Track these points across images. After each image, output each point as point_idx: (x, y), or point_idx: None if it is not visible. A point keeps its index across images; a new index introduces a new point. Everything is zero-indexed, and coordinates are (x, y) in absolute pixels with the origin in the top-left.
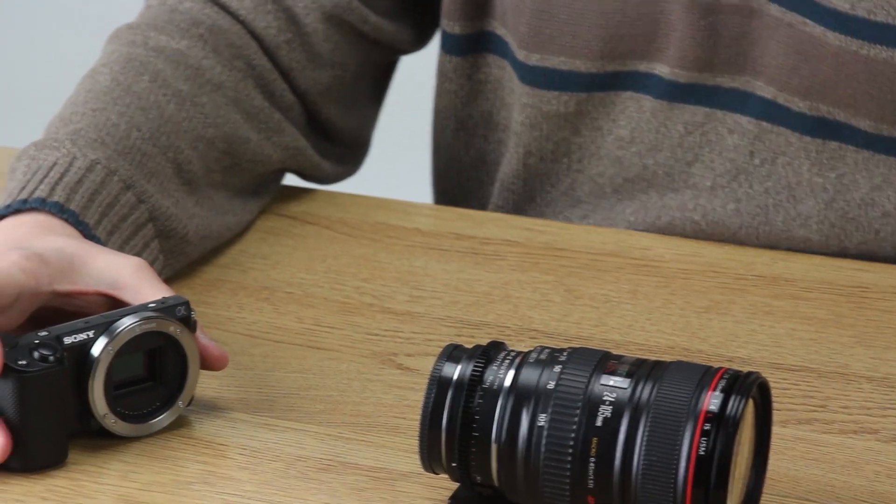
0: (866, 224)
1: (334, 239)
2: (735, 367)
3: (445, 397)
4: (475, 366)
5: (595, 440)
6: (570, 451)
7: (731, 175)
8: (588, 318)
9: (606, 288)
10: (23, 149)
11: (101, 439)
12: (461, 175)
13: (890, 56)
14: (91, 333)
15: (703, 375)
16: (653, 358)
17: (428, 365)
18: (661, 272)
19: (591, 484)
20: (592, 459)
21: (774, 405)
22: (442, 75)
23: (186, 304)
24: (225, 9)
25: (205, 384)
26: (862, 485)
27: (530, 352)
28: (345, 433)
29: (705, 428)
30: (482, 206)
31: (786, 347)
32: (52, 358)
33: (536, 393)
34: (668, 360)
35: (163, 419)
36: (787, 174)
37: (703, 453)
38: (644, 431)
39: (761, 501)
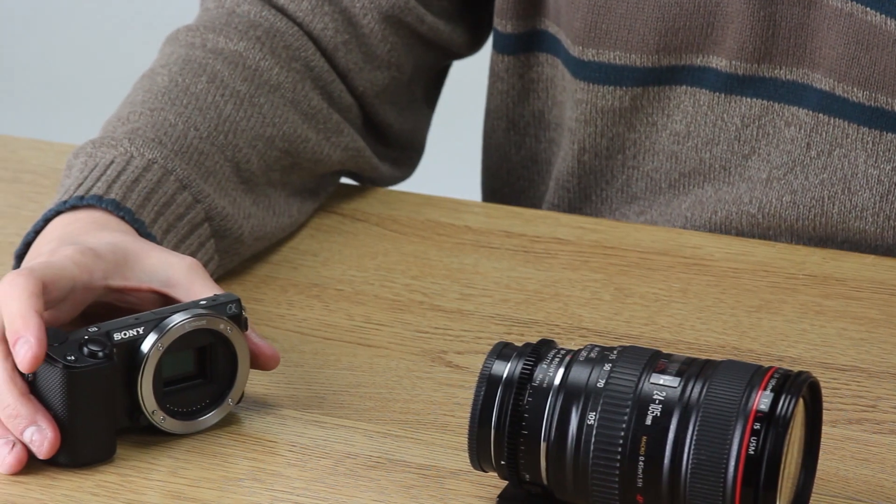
0: None
1: (384, 236)
2: (785, 366)
3: (495, 395)
4: (525, 364)
5: (644, 439)
6: (620, 449)
7: (788, 167)
8: (638, 317)
9: (657, 286)
10: (79, 146)
11: (150, 436)
12: (512, 175)
13: None
14: (141, 330)
15: (754, 375)
16: (703, 357)
17: (477, 363)
18: (711, 271)
19: (640, 482)
20: (641, 458)
21: (825, 405)
22: (494, 75)
23: (237, 301)
24: (282, 11)
25: (254, 381)
26: None
27: (580, 350)
28: (394, 430)
29: (755, 427)
30: (534, 205)
31: (836, 347)
32: (101, 354)
33: (586, 391)
34: (719, 359)
35: (212, 416)
36: (843, 166)
37: (752, 453)
38: (693, 430)
39: (811, 501)
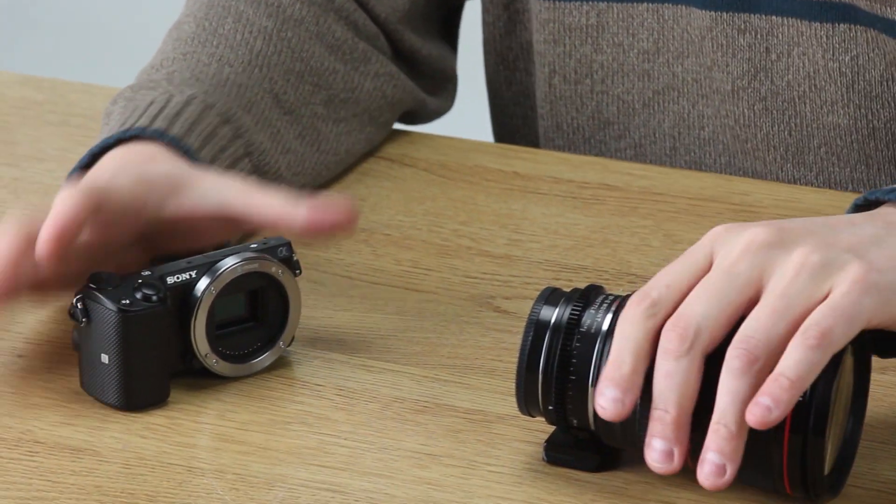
0: (891, 100)
1: (432, 181)
2: None
3: (543, 340)
4: (573, 309)
5: None
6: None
7: (751, 75)
8: None
9: (705, 233)
10: (116, 94)
11: (200, 379)
12: (505, 112)
13: None
14: (193, 273)
15: None
16: None
17: (525, 308)
18: (759, 217)
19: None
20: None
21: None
22: (483, 7)
23: (288, 244)
24: None
25: (303, 325)
26: None
27: (628, 295)
28: (441, 375)
29: None
30: (532, 145)
31: None
32: (154, 298)
33: None
34: None
35: (264, 359)
36: (804, 64)
37: (801, 399)
38: None
39: (859, 448)
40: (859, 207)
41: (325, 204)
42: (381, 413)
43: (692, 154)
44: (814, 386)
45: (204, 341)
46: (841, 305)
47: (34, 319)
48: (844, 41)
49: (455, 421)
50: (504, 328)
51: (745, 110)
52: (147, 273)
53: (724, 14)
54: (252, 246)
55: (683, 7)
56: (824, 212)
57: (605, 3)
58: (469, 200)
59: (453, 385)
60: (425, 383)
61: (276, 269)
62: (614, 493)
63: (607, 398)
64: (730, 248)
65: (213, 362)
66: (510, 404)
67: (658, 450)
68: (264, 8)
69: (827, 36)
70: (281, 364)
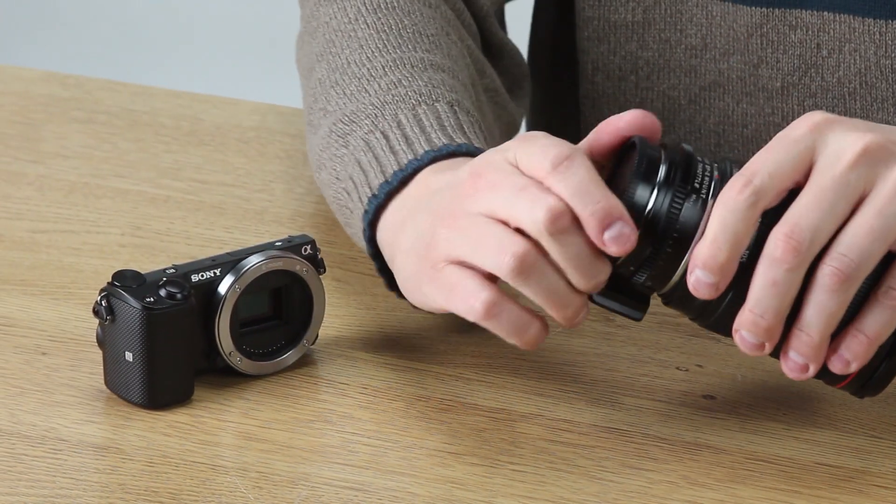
0: None
1: None
2: None
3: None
4: (684, 172)
5: None
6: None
7: (801, 71)
8: None
9: None
10: (334, 121)
11: (224, 377)
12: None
13: None
14: (218, 272)
15: None
16: None
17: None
18: None
19: None
20: None
21: None
22: (536, 5)
23: (312, 242)
24: None
25: (326, 323)
26: None
27: (724, 166)
28: (466, 374)
29: None
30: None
31: None
32: (179, 296)
33: None
34: None
35: (288, 357)
36: (855, 60)
37: None
38: None
39: None
40: None
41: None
42: (405, 411)
43: (736, 152)
44: None
45: (228, 339)
46: None
47: (58, 317)
48: None
49: (479, 420)
50: None
51: (795, 107)
52: (171, 271)
53: (776, 10)
54: (276, 244)
55: (730, 4)
56: None
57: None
58: None
59: (477, 383)
60: (449, 382)
61: (300, 268)
62: (638, 493)
63: (702, 282)
64: (839, 150)
65: (238, 360)
66: (534, 403)
67: (749, 342)
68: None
69: (880, 32)
70: (305, 362)
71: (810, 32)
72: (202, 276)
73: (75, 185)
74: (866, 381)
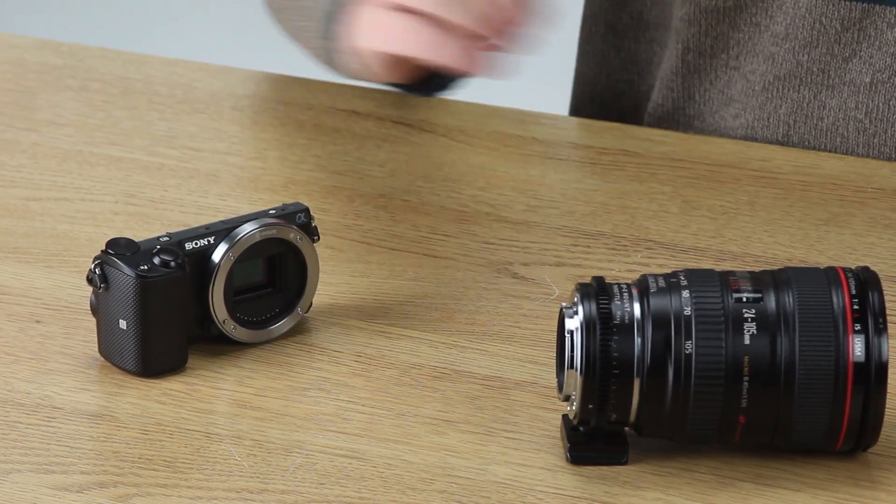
0: None
1: (451, 147)
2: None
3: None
4: (601, 304)
5: (746, 358)
6: (723, 373)
7: (893, 70)
8: (705, 230)
9: (724, 199)
10: None
11: (217, 345)
12: (611, 78)
13: None
14: (212, 239)
15: (828, 276)
16: (759, 269)
17: (543, 274)
18: (779, 183)
19: (744, 403)
20: (745, 378)
21: (892, 318)
22: None
23: (306, 210)
24: None
25: (320, 291)
26: None
27: (645, 281)
28: (459, 341)
29: (856, 328)
30: (634, 106)
31: None
32: (173, 263)
33: (675, 320)
34: (776, 268)
35: (282, 325)
36: None
37: (859, 353)
38: (796, 342)
39: None
40: None
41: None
42: (399, 379)
43: (806, 144)
44: (870, 339)
45: (222, 307)
46: None
47: (52, 285)
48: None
49: (473, 387)
50: (522, 294)
51: (881, 104)
52: (165, 239)
53: (877, 7)
54: (270, 212)
55: None
56: (845, 178)
57: None
58: (488, 166)
59: (471, 351)
60: (443, 350)
61: (294, 235)
62: (632, 460)
63: None
64: None
65: (231, 328)
66: (528, 371)
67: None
68: None
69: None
70: (299, 330)
71: None
72: (196, 243)
73: (69, 152)
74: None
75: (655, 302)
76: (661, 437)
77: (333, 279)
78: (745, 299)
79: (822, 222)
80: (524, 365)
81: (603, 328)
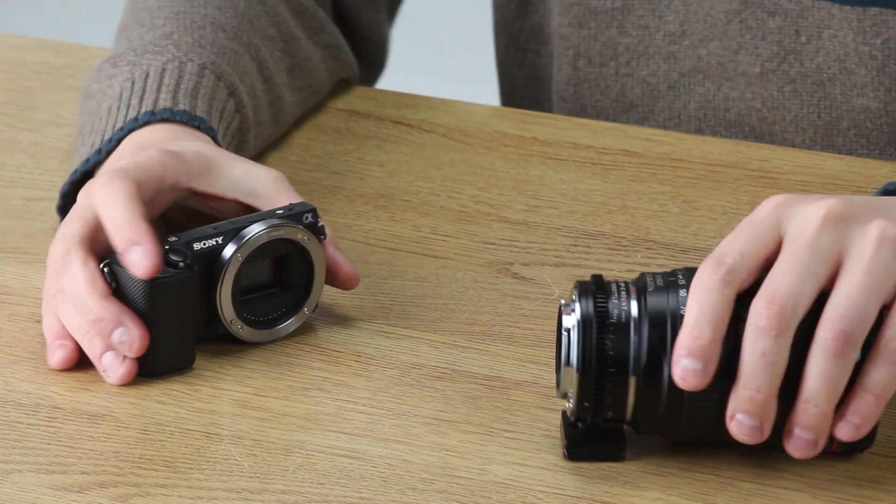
0: None
1: (451, 147)
2: None
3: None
4: (599, 301)
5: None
6: (718, 371)
7: (780, 58)
8: (705, 230)
9: (724, 199)
10: (113, 55)
11: (218, 345)
12: (516, 93)
13: None
14: (220, 240)
15: None
16: None
17: (543, 274)
18: (779, 184)
19: None
20: None
21: None
22: None
23: (313, 211)
24: None
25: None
26: None
27: (643, 279)
28: (459, 341)
29: None
30: None
31: None
32: (182, 264)
33: (672, 319)
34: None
35: (288, 325)
36: (835, 46)
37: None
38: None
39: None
40: (888, 193)
41: (337, 252)
42: (400, 379)
43: (719, 135)
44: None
45: (230, 307)
46: None
47: None
48: (875, 24)
49: (473, 387)
50: (522, 294)
51: (774, 93)
52: (174, 239)
53: None
54: (278, 212)
55: None
56: (845, 178)
57: None
58: (488, 166)
59: (471, 351)
60: (443, 350)
61: (301, 236)
62: (631, 460)
63: (688, 369)
64: (804, 220)
65: (239, 328)
66: (528, 370)
67: (748, 425)
68: None
69: (858, 19)
70: (299, 330)
71: (789, 19)
72: (204, 244)
73: (69, 152)
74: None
75: (653, 301)
76: (659, 435)
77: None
78: (741, 299)
79: None
80: (524, 365)
81: (599, 326)
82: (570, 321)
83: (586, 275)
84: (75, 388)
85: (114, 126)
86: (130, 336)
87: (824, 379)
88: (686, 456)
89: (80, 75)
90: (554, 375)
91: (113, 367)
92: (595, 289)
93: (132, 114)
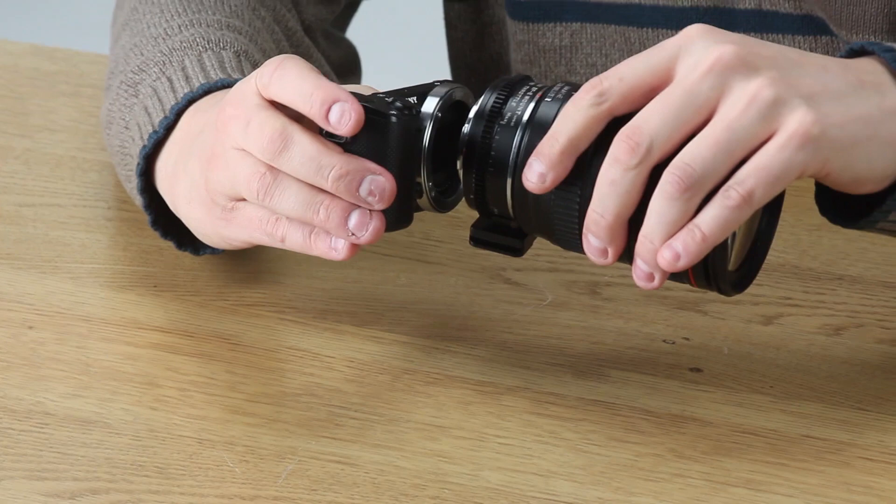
0: None
1: None
2: (846, 285)
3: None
4: (497, 98)
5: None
6: (579, 180)
7: None
8: None
9: None
10: (127, 74)
11: (211, 349)
12: None
13: None
14: (414, 99)
15: None
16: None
17: (536, 280)
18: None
19: None
20: None
21: (885, 324)
22: (448, 23)
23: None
24: None
25: (313, 297)
26: None
27: (552, 88)
28: (452, 347)
29: None
30: None
31: None
32: (411, 111)
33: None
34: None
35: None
36: None
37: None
38: None
39: (872, 417)
40: (852, 53)
41: None
42: (392, 385)
43: None
44: None
45: (427, 168)
46: (769, 166)
47: (44, 291)
48: (826, 52)
49: (465, 393)
50: (515, 300)
51: None
52: (381, 95)
53: (650, 31)
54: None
55: (650, 30)
56: None
57: (579, 23)
58: None
59: (463, 356)
60: (435, 355)
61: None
62: (624, 466)
63: (533, 171)
64: (696, 60)
65: (431, 194)
66: (520, 375)
67: (594, 246)
68: None
69: (809, 48)
70: (291, 335)
71: None
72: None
73: (62, 158)
74: (708, 273)
75: (544, 108)
76: (541, 237)
77: (326, 285)
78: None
79: (814, 227)
80: (516, 370)
81: (487, 124)
82: (472, 111)
83: (579, 280)
84: (67, 394)
85: (173, 101)
86: (379, 183)
87: (659, 218)
88: (679, 462)
89: (73, 81)
90: (547, 382)
91: (363, 223)
92: (503, 85)
93: (186, 88)
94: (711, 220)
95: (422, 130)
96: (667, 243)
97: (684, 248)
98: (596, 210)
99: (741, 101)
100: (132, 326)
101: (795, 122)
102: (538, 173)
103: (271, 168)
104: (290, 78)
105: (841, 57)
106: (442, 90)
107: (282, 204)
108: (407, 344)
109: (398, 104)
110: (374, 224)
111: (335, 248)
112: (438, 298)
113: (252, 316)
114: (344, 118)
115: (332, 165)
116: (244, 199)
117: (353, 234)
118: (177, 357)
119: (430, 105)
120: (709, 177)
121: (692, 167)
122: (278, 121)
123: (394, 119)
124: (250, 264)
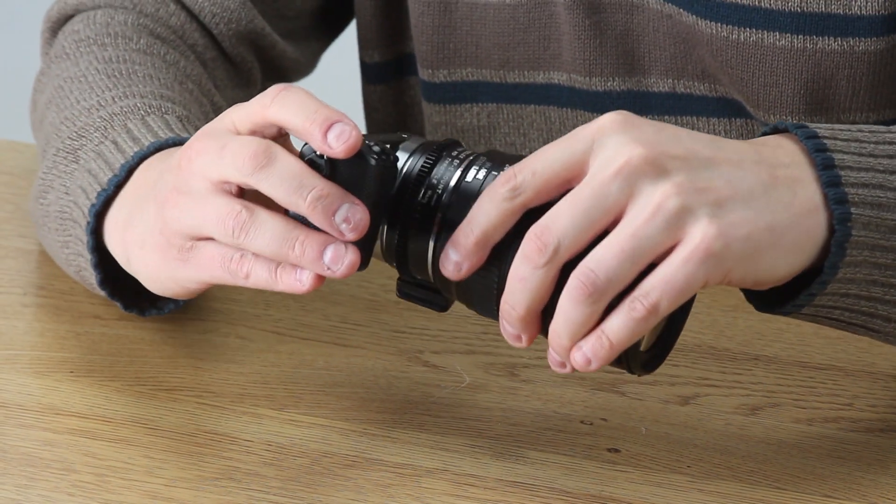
0: None
1: None
2: (762, 365)
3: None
4: (425, 161)
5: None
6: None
7: None
8: None
9: None
10: (74, 133)
11: (127, 434)
12: None
13: (759, 38)
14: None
15: None
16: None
17: (454, 362)
18: None
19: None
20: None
21: (801, 403)
22: (368, 106)
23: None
24: (161, 23)
25: (231, 381)
26: (888, 482)
27: (481, 157)
28: (370, 430)
29: None
30: None
31: (813, 346)
32: (383, 154)
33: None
34: None
35: None
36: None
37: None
38: None
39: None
40: (774, 130)
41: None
42: (311, 468)
43: None
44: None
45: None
46: (673, 279)
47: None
48: (742, 134)
49: (384, 475)
50: (432, 382)
51: None
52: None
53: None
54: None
55: (569, 110)
56: None
57: (495, 104)
58: None
59: (382, 439)
60: (354, 438)
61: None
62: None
63: (450, 259)
64: (607, 157)
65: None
66: (439, 458)
67: (509, 331)
68: (159, 61)
69: (725, 131)
70: (209, 420)
71: None
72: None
73: None
74: (629, 360)
75: (469, 181)
76: (462, 304)
77: (244, 368)
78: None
79: (730, 308)
80: (435, 452)
81: (414, 187)
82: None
83: (497, 362)
84: None
85: (122, 160)
86: (356, 212)
87: (566, 318)
88: (669, 487)
89: None
90: (468, 464)
91: (338, 257)
92: (434, 149)
93: (135, 148)
94: (618, 329)
95: (396, 178)
96: (577, 345)
97: (594, 353)
98: (507, 302)
99: (647, 209)
100: (49, 412)
101: (699, 235)
102: (454, 262)
103: (247, 206)
104: (295, 98)
105: (762, 134)
106: (412, 145)
107: (256, 241)
108: (326, 427)
109: (377, 148)
110: (350, 257)
111: (300, 280)
112: (357, 381)
113: (170, 400)
114: (342, 137)
115: (313, 186)
116: (206, 238)
117: (328, 269)
118: (94, 442)
119: (403, 157)
120: (613, 284)
121: (596, 274)
122: (261, 141)
123: (373, 161)
124: (168, 349)
